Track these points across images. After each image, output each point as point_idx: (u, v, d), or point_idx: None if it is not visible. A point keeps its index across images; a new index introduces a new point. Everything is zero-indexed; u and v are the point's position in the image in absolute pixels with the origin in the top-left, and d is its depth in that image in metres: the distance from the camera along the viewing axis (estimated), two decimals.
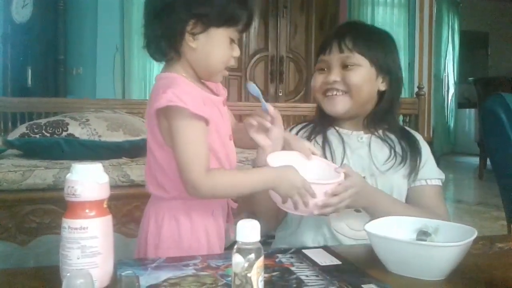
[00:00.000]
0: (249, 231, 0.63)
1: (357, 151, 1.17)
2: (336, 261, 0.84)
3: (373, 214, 1.05)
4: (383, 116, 1.19)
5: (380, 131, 1.20)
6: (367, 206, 1.06)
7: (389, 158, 1.15)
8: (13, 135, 2.10)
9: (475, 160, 5.80)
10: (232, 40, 0.95)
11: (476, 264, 0.86)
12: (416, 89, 3.17)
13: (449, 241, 0.81)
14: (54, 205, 1.79)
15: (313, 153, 1.03)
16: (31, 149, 2.07)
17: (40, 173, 1.80)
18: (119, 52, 4.58)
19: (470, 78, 5.85)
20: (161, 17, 0.91)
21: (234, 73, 5.17)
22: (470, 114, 7.76)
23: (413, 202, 1.15)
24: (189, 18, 0.90)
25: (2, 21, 4.41)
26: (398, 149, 1.17)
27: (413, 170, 1.15)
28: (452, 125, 7.99)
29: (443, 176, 1.20)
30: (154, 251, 0.96)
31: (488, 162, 4.87)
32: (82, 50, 4.57)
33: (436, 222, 0.90)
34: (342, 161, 1.15)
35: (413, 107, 3.01)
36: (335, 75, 1.14)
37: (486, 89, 5.20)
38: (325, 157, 1.14)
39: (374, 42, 1.16)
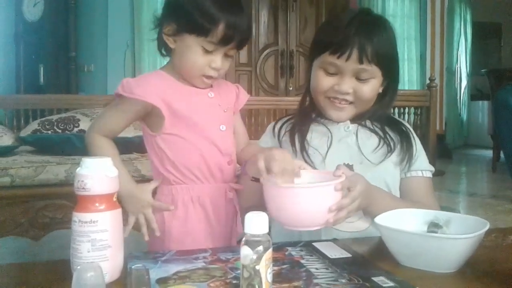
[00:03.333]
0: (257, 223, 0.63)
1: (344, 139, 1.12)
2: (346, 254, 0.84)
3: (371, 213, 1.00)
4: (373, 112, 1.15)
5: (367, 121, 1.15)
6: (370, 205, 1.00)
7: (378, 146, 1.10)
8: (25, 132, 2.13)
9: (489, 152, 5.73)
10: (206, 51, 0.97)
11: (488, 257, 0.85)
12: (427, 81, 3.14)
13: (460, 233, 0.80)
14: (66, 200, 1.81)
15: (302, 168, 0.96)
16: (43, 145, 2.09)
17: (52, 169, 1.82)
18: (129, 49, 4.60)
19: (483, 70, 5.77)
20: (157, 18, 1.02)
21: (244, 68, 5.17)
22: (483, 106, 7.66)
23: (406, 193, 1.12)
24: (165, 20, 0.99)
25: (14, 20, 4.44)
26: (387, 137, 1.12)
27: (405, 157, 1.11)
28: (465, 117, 7.90)
29: (433, 169, 1.16)
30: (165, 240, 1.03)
31: (502, 154, 4.81)
32: (93, 47, 4.60)
33: (447, 214, 0.89)
34: (328, 150, 1.10)
35: (425, 99, 2.98)
36: (348, 86, 1.07)
37: (499, 81, 5.13)
38: (307, 153, 1.10)
39: (389, 50, 1.09)
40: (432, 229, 0.87)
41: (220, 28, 0.94)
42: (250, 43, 5.17)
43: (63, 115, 2.19)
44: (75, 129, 2.03)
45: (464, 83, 7.66)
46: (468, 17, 7.54)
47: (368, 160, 1.09)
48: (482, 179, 5.32)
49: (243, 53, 5.16)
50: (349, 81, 1.07)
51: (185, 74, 1.02)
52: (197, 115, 1.02)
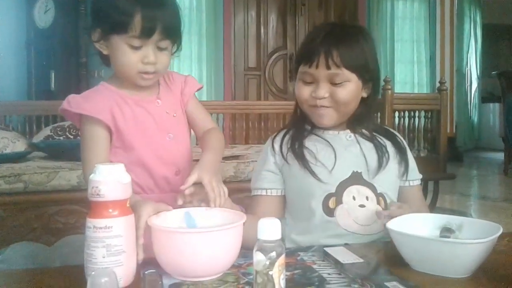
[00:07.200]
0: (270, 229, 0.63)
1: (349, 148, 1.15)
2: (358, 259, 0.84)
3: None
4: (364, 118, 1.19)
5: (365, 131, 1.19)
6: None
7: (380, 157, 1.15)
8: (38, 138, 2.16)
9: (500, 155, 5.68)
10: (133, 47, 0.95)
11: (501, 261, 0.84)
12: (437, 84, 3.13)
13: (473, 238, 0.80)
14: (78, 206, 1.83)
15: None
16: (55, 151, 2.11)
17: (65, 175, 1.83)
18: None
19: (493, 72, 5.73)
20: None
21: (253, 72, 5.18)
22: (494, 108, 7.60)
23: (405, 200, 1.17)
24: (91, 28, 0.98)
25: (26, 27, 4.49)
26: (386, 148, 1.17)
27: (404, 169, 1.18)
28: (475, 120, 7.84)
29: (420, 176, 1.24)
30: None
31: None
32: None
33: (459, 218, 0.89)
34: (336, 160, 1.12)
35: (435, 102, 2.96)
36: (324, 91, 1.11)
37: (511, 83, 5.09)
38: (314, 164, 1.12)
39: (360, 52, 1.12)
40: (445, 234, 0.86)
41: (137, 21, 0.92)
42: (259, 47, 5.19)
43: None
44: None
45: (474, 85, 7.61)
46: (478, 19, 7.49)
47: (372, 169, 1.13)
48: (494, 182, 5.27)
49: (252, 57, 5.18)
50: (325, 86, 1.11)
51: (123, 75, 1.00)
52: (143, 127, 1.01)
